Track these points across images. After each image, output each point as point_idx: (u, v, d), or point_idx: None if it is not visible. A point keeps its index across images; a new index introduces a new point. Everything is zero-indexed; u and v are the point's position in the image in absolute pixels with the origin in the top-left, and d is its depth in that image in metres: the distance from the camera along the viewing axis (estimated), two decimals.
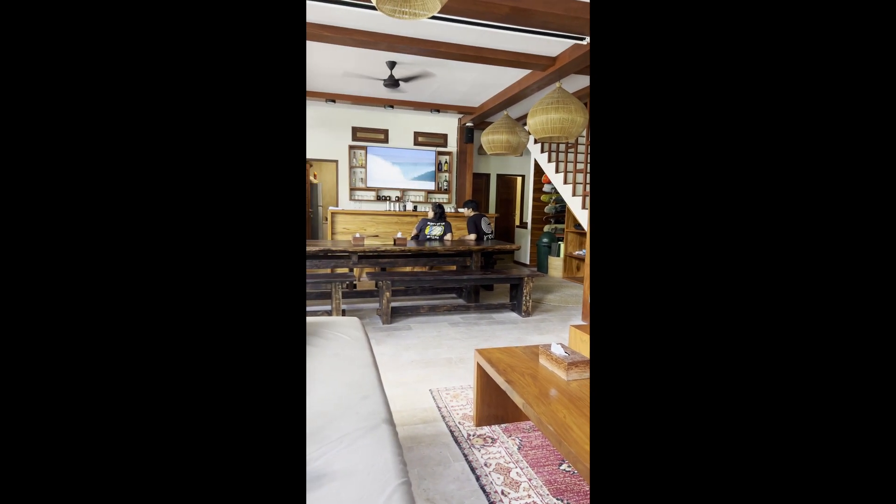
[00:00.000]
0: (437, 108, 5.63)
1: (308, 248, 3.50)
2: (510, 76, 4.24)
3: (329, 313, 3.45)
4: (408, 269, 4.37)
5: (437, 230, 4.36)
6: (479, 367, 1.78)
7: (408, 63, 3.98)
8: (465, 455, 1.61)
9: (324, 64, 4.13)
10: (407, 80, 4.33)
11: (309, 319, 1.61)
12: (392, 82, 4.11)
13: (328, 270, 3.98)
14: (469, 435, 1.75)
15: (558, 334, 3.21)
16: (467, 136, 6.14)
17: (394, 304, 3.79)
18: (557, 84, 3.36)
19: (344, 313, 3.51)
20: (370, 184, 6.12)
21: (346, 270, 4.08)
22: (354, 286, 4.31)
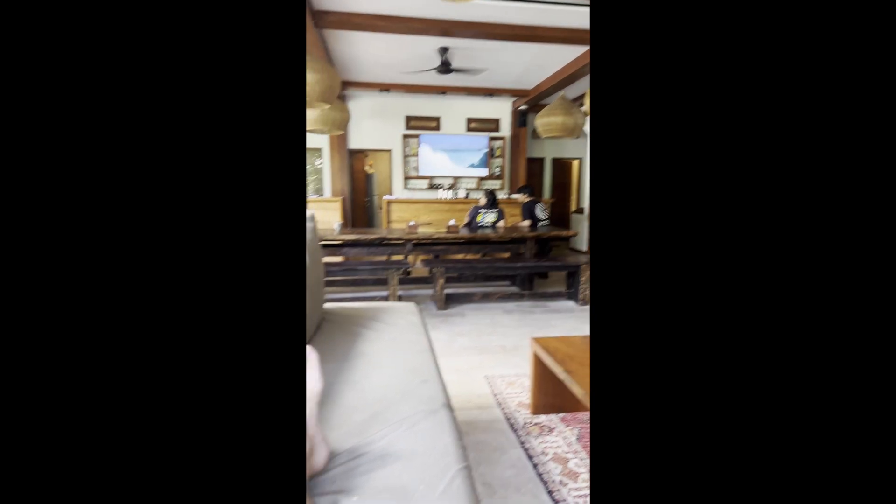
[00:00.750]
0: (489, 93, 5.53)
1: (365, 237, 3.62)
2: (566, 55, 4.05)
3: (386, 299, 3.56)
4: (460, 256, 4.38)
5: (489, 217, 4.32)
6: (536, 356, 1.75)
7: (460, 48, 3.93)
8: (521, 443, 1.60)
9: (378, 54, 4.18)
10: (459, 65, 4.28)
11: (368, 304, 1.67)
12: (444, 68, 4.08)
13: (384, 258, 4.10)
14: (525, 423, 1.74)
15: None
16: (521, 119, 5.98)
17: (447, 290, 3.82)
18: None
19: (400, 299, 3.61)
20: (422, 172, 6.18)
21: (401, 257, 4.18)
22: (409, 273, 4.40)
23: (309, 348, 0.78)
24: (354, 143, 6.11)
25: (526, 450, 1.55)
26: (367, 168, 7.81)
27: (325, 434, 0.72)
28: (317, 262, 1.38)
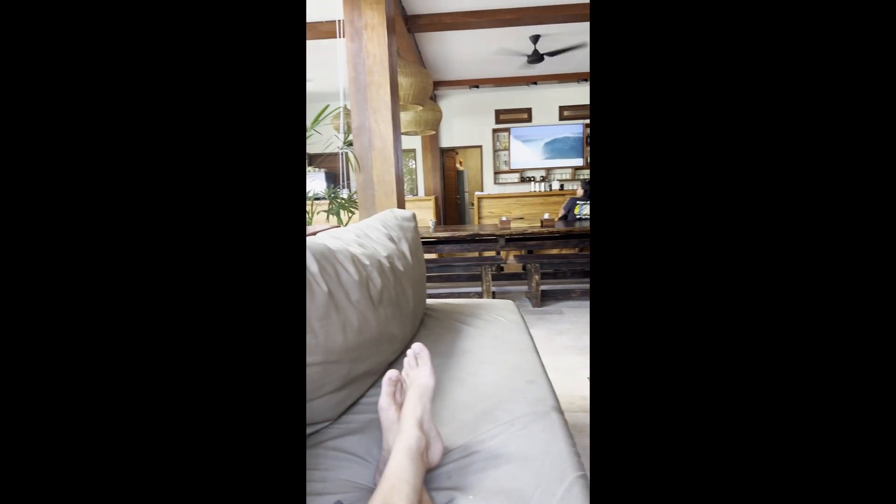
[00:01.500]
0: (584, 78, 5.23)
1: (457, 233, 3.67)
2: None
3: (480, 295, 3.58)
4: (555, 251, 4.22)
5: (587, 209, 4.10)
6: None
7: (552, 34, 3.77)
8: None
9: (467, 51, 4.20)
10: (552, 52, 4.11)
11: (466, 301, 1.68)
12: (536, 57, 3.95)
13: (476, 254, 4.12)
14: None
15: None
16: None
17: (543, 287, 3.71)
18: None
19: (493, 295, 3.59)
20: (514, 165, 6.08)
21: (493, 253, 4.16)
22: (502, 269, 4.36)
23: (419, 345, 0.80)
24: (445, 141, 6.23)
25: None
26: (457, 165, 7.92)
27: (438, 429, 0.73)
28: (419, 259, 1.42)
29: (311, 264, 0.82)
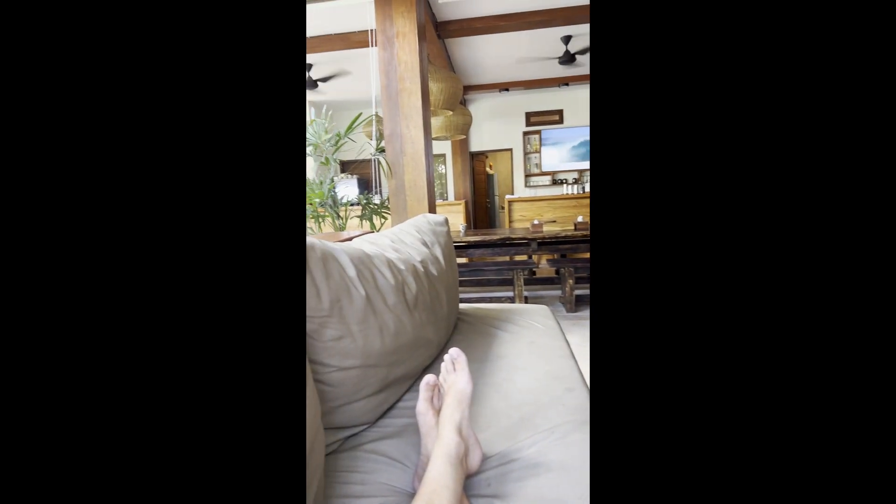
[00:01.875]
0: None
1: (487, 237, 3.65)
2: None
3: (511, 300, 3.54)
4: (589, 254, 4.12)
5: None
6: None
7: (584, 34, 3.71)
8: None
9: (497, 54, 4.19)
10: (584, 52, 4.05)
11: (499, 306, 1.67)
12: (568, 58, 3.90)
13: (507, 258, 4.08)
14: None
15: None
16: None
17: (577, 291, 3.63)
18: None
19: (526, 300, 3.55)
20: (545, 168, 6.00)
21: (524, 257, 4.11)
22: (534, 273, 4.30)
23: (457, 350, 0.80)
24: (475, 145, 6.23)
25: None
26: (487, 169, 7.91)
27: (476, 435, 0.72)
28: (452, 264, 1.42)
29: (349, 269, 0.84)
